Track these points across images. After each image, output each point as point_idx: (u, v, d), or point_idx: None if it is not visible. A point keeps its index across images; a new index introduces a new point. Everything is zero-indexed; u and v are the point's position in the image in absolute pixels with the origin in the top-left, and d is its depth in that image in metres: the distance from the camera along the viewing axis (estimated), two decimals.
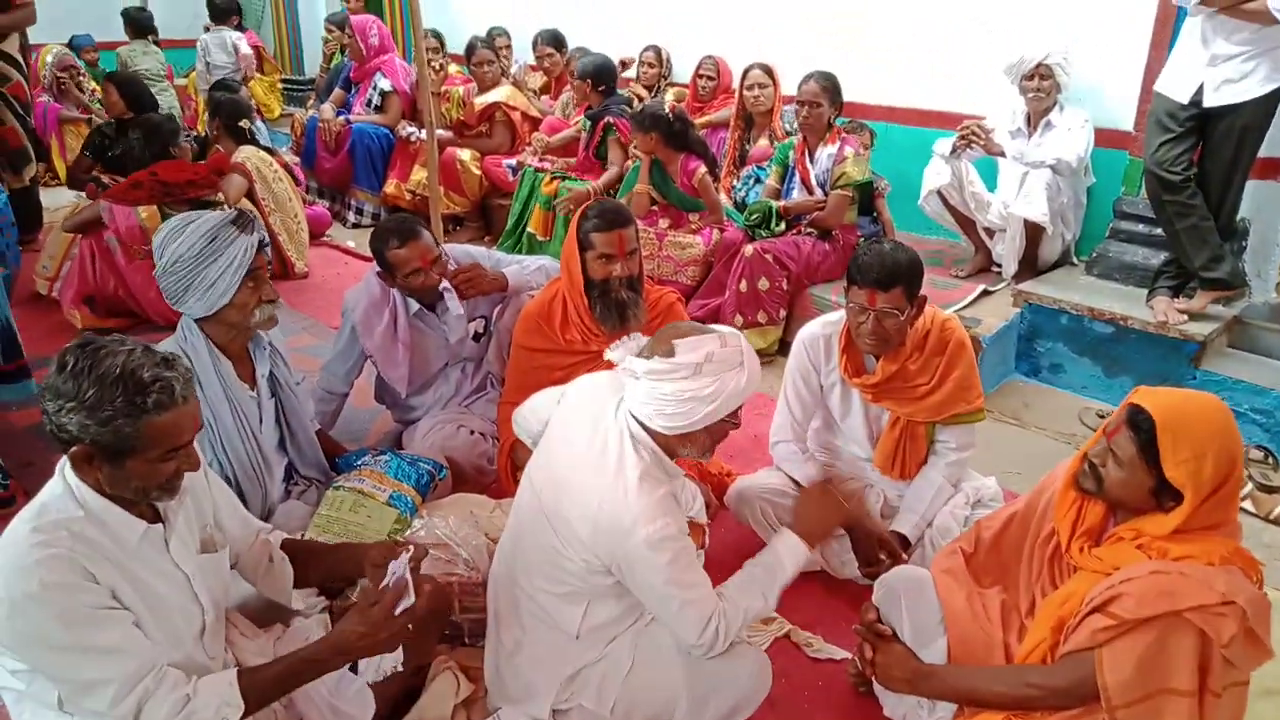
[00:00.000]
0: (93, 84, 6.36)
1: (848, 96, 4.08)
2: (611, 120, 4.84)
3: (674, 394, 1.69)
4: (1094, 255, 4.02)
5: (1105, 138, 4.04)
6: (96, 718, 1.44)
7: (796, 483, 2.44)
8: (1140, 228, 3.88)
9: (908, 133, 4.84)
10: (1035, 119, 3.99)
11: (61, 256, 4.26)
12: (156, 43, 7.41)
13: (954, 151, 3.99)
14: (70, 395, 1.41)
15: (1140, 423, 1.56)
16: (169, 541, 1.58)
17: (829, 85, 3.94)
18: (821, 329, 2.45)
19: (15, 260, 4.19)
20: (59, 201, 5.47)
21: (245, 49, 7.37)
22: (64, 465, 1.50)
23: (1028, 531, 1.87)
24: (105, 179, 4.55)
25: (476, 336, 3.05)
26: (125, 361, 1.43)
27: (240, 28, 7.73)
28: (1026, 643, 1.71)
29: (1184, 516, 1.53)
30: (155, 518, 1.57)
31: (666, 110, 4.32)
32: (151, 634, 1.50)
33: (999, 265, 4.14)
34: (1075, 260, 4.18)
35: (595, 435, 1.78)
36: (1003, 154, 3.98)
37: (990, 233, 4.17)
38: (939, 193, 4.11)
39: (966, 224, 4.21)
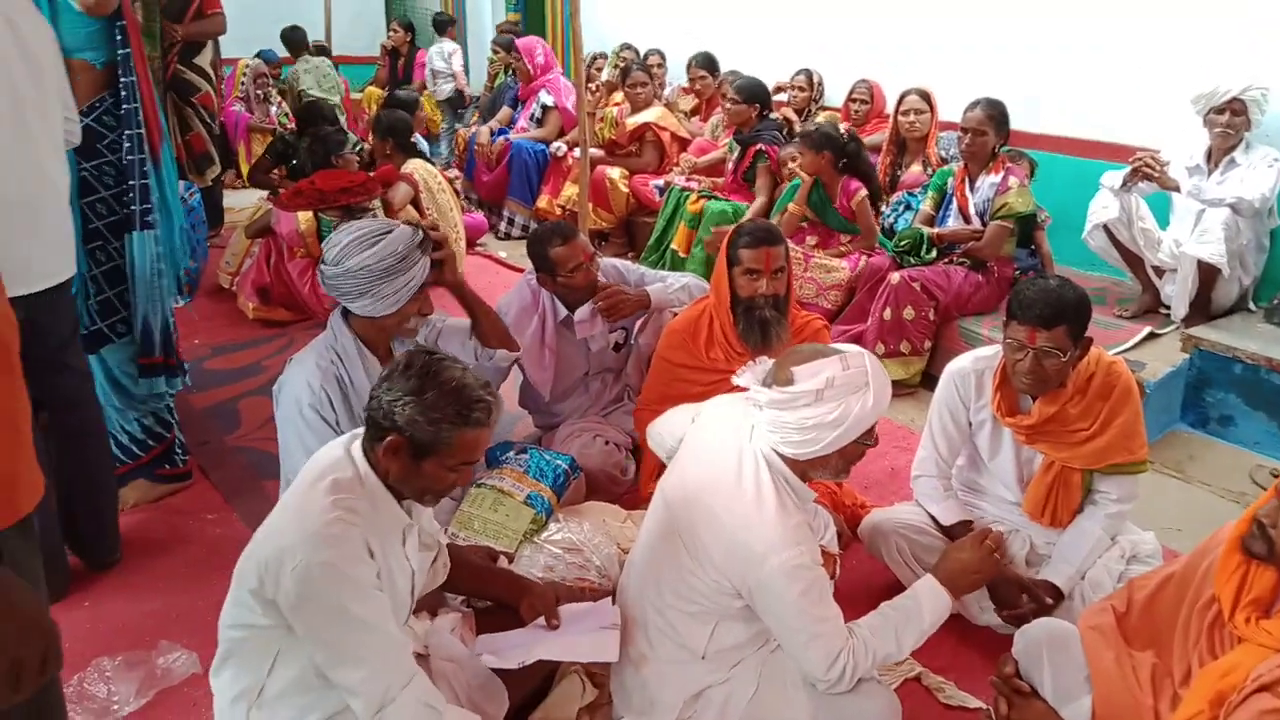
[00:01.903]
0: (278, 96, 6.87)
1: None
2: (763, 147, 4.85)
3: (797, 422, 1.69)
4: (1275, 302, 3.73)
5: None
6: (344, 693, 1.54)
7: (936, 521, 2.37)
8: None
9: (1071, 163, 4.63)
10: (1217, 155, 3.74)
11: (242, 254, 4.63)
12: (329, 56, 7.95)
13: (1124, 185, 3.79)
14: (413, 391, 1.57)
15: None
16: (407, 538, 1.70)
17: (995, 114, 3.82)
18: (973, 363, 2.38)
19: (203, 255, 4.58)
20: (242, 203, 5.94)
21: (457, 64, 8.14)
22: (350, 444, 1.67)
23: (1186, 595, 1.74)
24: (278, 184, 4.91)
25: (617, 347, 3.11)
26: (460, 376, 1.61)
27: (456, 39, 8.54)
28: (1180, 714, 1.59)
29: None
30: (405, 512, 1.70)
31: (840, 131, 4.29)
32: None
33: (1167, 307, 3.89)
34: (1253, 306, 3.88)
35: (730, 459, 1.79)
36: (1178, 189, 3.75)
37: (1159, 272, 3.93)
38: (1105, 227, 3.90)
39: (1134, 261, 3.98)
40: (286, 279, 4.40)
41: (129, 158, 2.58)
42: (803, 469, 1.77)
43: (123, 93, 2.54)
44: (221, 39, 5.20)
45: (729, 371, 2.49)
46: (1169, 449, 3.41)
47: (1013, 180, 3.83)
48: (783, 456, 1.76)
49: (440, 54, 8.25)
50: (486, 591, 2.07)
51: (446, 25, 8.56)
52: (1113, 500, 2.26)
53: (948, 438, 2.41)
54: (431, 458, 1.60)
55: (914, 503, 2.47)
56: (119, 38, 2.51)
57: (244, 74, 6.66)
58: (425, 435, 1.57)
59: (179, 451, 2.94)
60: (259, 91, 6.69)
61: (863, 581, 2.51)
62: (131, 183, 2.59)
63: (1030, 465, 2.34)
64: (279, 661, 1.60)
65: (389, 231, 2.22)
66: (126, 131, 2.56)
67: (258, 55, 7.32)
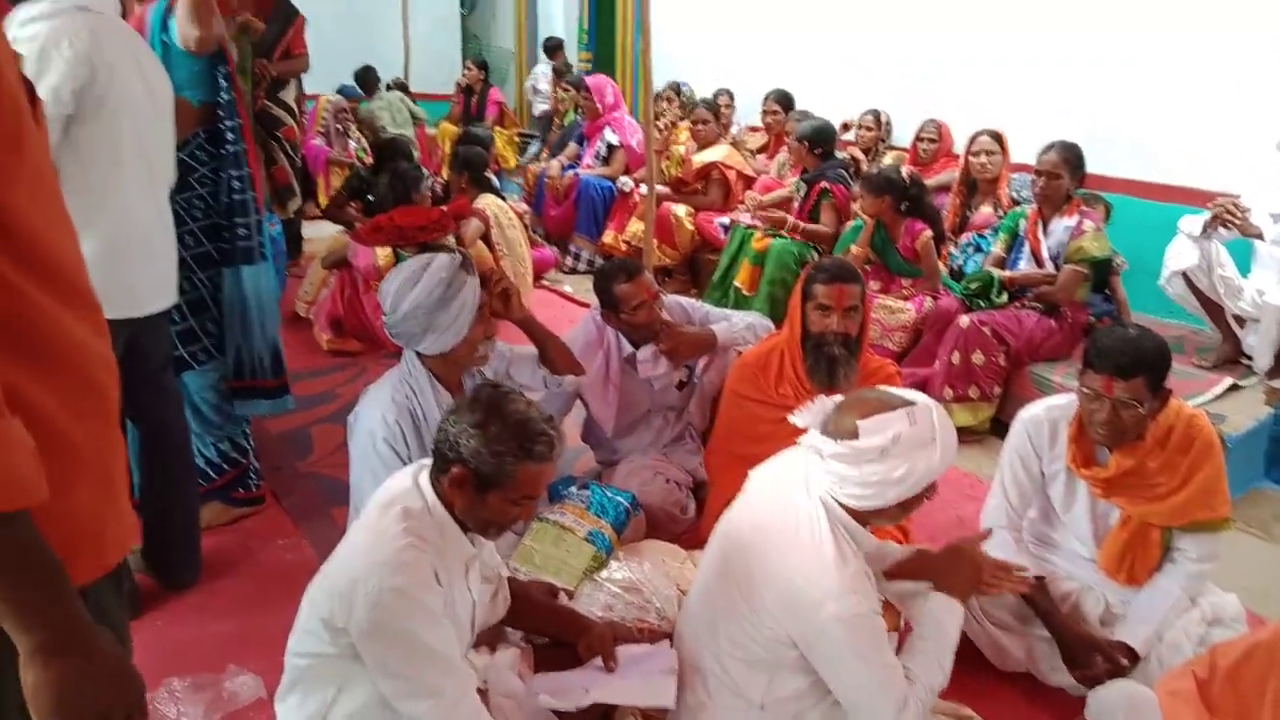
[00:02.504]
0: (357, 131, 7.11)
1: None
2: (828, 186, 4.84)
3: (860, 478, 1.66)
4: None
5: None
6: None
7: None
8: None
9: (1148, 207, 4.53)
10: None
11: (319, 284, 4.77)
12: (407, 92, 8.21)
13: (1204, 231, 3.69)
14: (478, 424, 1.63)
15: None
16: (470, 569, 1.74)
17: (1070, 156, 3.76)
18: (1046, 412, 2.32)
19: (282, 284, 4.73)
20: (321, 234, 6.13)
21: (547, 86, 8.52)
22: (418, 474, 1.71)
23: (1274, 667, 1.66)
24: (354, 218, 5.07)
25: (680, 385, 3.12)
26: (525, 410, 1.66)
27: (566, 64, 8.88)
28: None
29: None
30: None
31: (902, 174, 4.28)
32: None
33: (1249, 357, 3.76)
34: None
35: (788, 505, 1.77)
36: (1260, 237, 3.63)
37: (1241, 321, 3.80)
38: (1184, 274, 3.80)
39: (1213, 310, 3.86)
40: (360, 312, 4.53)
41: (238, 196, 2.71)
42: (862, 517, 1.76)
43: (228, 135, 2.68)
44: (304, 75, 5.41)
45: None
46: (1253, 507, 3.28)
47: (1088, 224, 3.76)
48: (841, 504, 1.74)
49: (545, 75, 8.79)
50: (546, 628, 2.09)
51: (555, 49, 9.02)
52: (1192, 559, 2.18)
53: (1019, 488, 2.35)
54: (495, 490, 1.63)
55: None
56: (223, 82, 2.65)
57: (325, 109, 6.90)
58: (489, 468, 1.61)
59: (253, 476, 3.02)
60: (339, 126, 6.93)
61: None
62: (242, 219, 2.73)
63: (1106, 519, 2.27)
64: (344, 690, 1.63)
65: (429, 264, 2.28)
66: (234, 172, 2.70)
67: (339, 91, 7.59)
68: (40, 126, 0.97)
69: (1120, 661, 2.10)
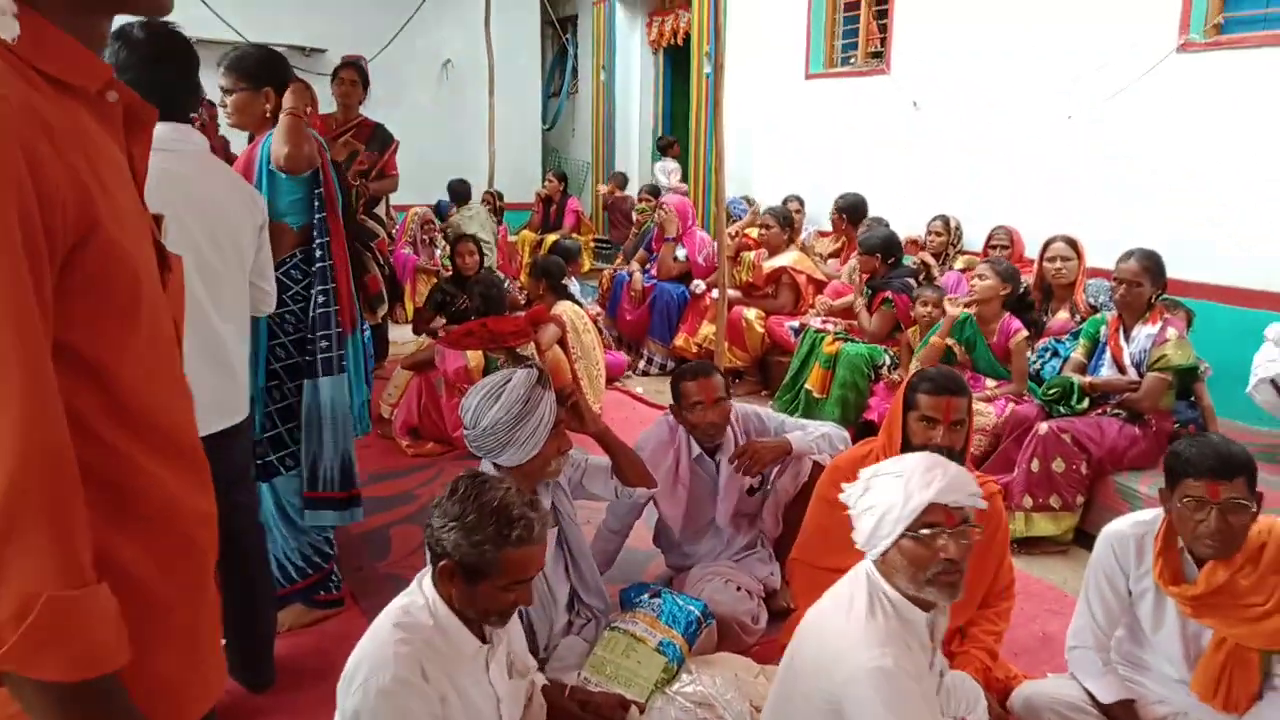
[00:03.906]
0: (443, 241, 7.46)
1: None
2: (891, 295, 4.90)
3: (855, 513, 1.76)
4: None
5: None
6: None
7: (1092, 697, 2.22)
8: None
9: (1232, 313, 4.43)
10: None
11: (404, 387, 4.96)
12: (498, 201, 8.62)
13: None
14: (455, 516, 1.68)
15: None
16: (489, 663, 1.77)
17: (1150, 264, 3.73)
18: (1132, 528, 2.26)
19: (369, 386, 4.93)
20: (406, 337, 6.39)
21: (675, 180, 8.97)
22: (424, 576, 1.77)
23: None
24: (441, 330, 5.29)
25: (751, 491, 3.12)
26: (503, 497, 1.69)
27: (679, 158, 9.50)
28: None
29: None
30: (483, 640, 1.77)
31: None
32: None
33: None
34: None
35: (844, 585, 1.84)
36: None
37: None
38: (1273, 381, 3.68)
39: None
40: (435, 415, 4.69)
41: (321, 310, 2.85)
42: (890, 577, 1.77)
43: (317, 252, 2.85)
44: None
45: None
46: None
47: (1171, 331, 3.70)
48: (885, 575, 1.78)
49: (663, 170, 9.32)
50: None
51: (668, 146, 9.59)
52: None
53: (1105, 607, 2.28)
54: (484, 580, 1.66)
55: (1069, 675, 2.32)
56: (317, 204, 2.84)
57: (413, 221, 7.28)
58: (472, 558, 1.65)
59: (335, 578, 3.10)
60: (425, 237, 7.28)
61: None
62: (323, 331, 2.85)
63: (1199, 641, 2.17)
64: None
65: (508, 380, 2.37)
66: (319, 286, 2.85)
67: (434, 206, 8.00)
68: (169, 283, 1.03)
69: None
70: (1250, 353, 3.76)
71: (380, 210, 5.67)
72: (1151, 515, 2.24)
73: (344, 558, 3.28)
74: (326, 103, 5.03)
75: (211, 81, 2.72)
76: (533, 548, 1.69)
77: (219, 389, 2.39)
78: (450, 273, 6.28)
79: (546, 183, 9.40)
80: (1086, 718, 2.21)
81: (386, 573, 3.39)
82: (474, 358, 4.56)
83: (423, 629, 1.69)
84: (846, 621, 1.72)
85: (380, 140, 5.29)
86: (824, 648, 1.72)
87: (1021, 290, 4.23)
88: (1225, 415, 4.06)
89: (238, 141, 4.51)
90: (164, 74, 2.14)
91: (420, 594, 1.75)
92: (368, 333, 4.76)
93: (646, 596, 2.73)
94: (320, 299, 2.85)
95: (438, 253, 7.28)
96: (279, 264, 2.76)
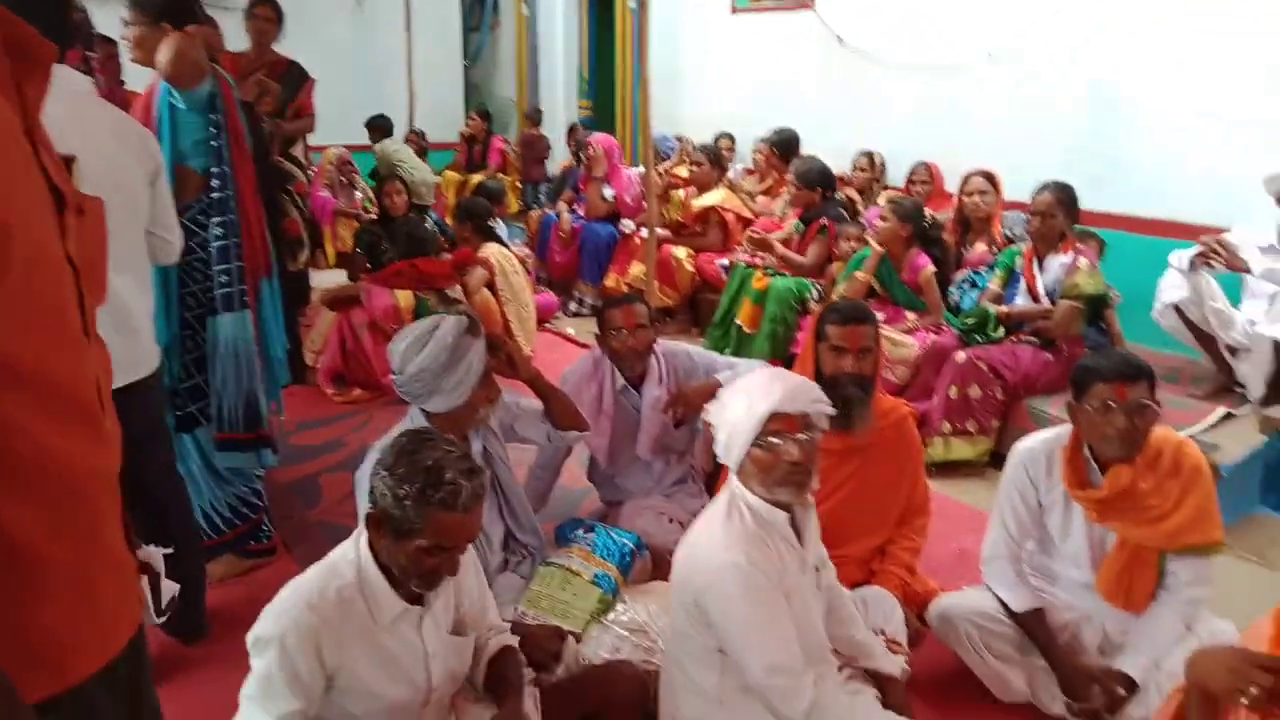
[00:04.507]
0: (363, 182, 7.26)
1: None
2: (826, 223, 4.95)
3: (714, 435, 1.90)
4: None
5: None
6: None
7: (1006, 607, 2.35)
8: None
9: (1140, 241, 4.62)
10: None
11: (327, 332, 4.86)
12: (424, 142, 8.39)
13: (1191, 266, 3.77)
14: (387, 466, 1.67)
15: None
16: (423, 620, 1.77)
17: (1064, 196, 3.86)
18: (1042, 444, 2.38)
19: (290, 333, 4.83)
20: (326, 283, 6.24)
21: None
22: (361, 531, 1.75)
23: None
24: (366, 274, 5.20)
25: (678, 424, 3.16)
26: (440, 458, 1.66)
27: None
28: None
29: None
30: (417, 599, 1.77)
31: (928, 215, 4.39)
32: (381, 694, 1.71)
33: (1243, 386, 3.81)
34: None
35: (719, 497, 1.96)
36: (1247, 271, 3.71)
37: (1234, 351, 3.85)
38: (1176, 307, 3.87)
39: (1206, 341, 3.92)
40: (363, 360, 4.62)
41: (218, 243, 2.73)
42: (749, 485, 1.87)
43: (214, 181, 2.72)
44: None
45: None
46: (1248, 533, 3.31)
47: (1082, 261, 3.84)
48: (740, 479, 1.89)
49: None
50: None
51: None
52: (1186, 583, 2.22)
53: (1018, 519, 2.40)
54: (406, 538, 1.64)
55: (984, 586, 2.45)
56: (214, 131, 2.71)
57: (330, 162, 7.06)
58: (394, 511, 1.63)
59: (266, 527, 3.07)
60: (343, 178, 7.08)
61: (934, 669, 2.49)
62: (222, 265, 2.74)
63: (1103, 546, 2.31)
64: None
65: (437, 326, 2.34)
66: (217, 218, 2.73)
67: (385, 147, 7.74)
68: (82, 227, 0.99)
69: (1117, 692, 2.14)
70: (1156, 280, 3.93)
71: (297, 152, 5.47)
72: (1057, 432, 2.37)
73: (275, 507, 3.25)
74: (239, 40, 4.82)
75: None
76: (458, 516, 1.64)
77: (116, 344, 2.29)
78: (375, 214, 6.13)
79: (470, 121, 9.18)
80: (1000, 626, 2.34)
81: (318, 520, 3.38)
82: (404, 297, 4.50)
83: (343, 590, 1.68)
84: (709, 529, 1.85)
85: (295, 79, 5.08)
86: (691, 555, 1.84)
87: (927, 225, 4.32)
88: (1132, 339, 4.25)
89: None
90: (24, 10, 2.01)
91: (354, 547, 1.74)
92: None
93: (581, 532, 2.78)
94: (218, 231, 2.73)
95: (358, 195, 7.09)
96: (184, 209, 2.65)
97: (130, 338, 2.31)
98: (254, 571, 3.02)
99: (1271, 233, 3.76)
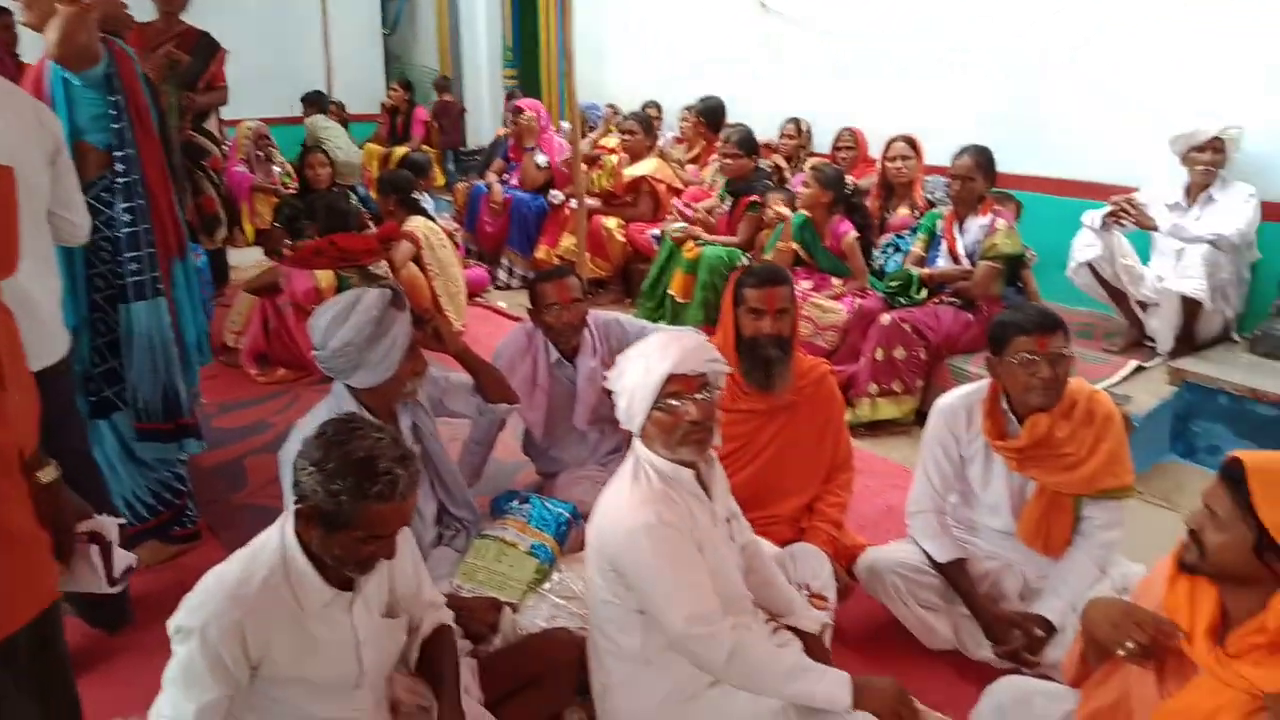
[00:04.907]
0: (281, 156, 7.04)
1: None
2: (757, 198, 4.98)
3: (616, 402, 1.91)
4: (1258, 333, 3.81)
5: (1273, 212, 3.86)
6: None
7: (931, 558, 2.43)
8: None
9: (1054, 202, 4.75)
10: (1196, 192, 3.85)
11: (248, 312, 4.73)
12: (344, 111, 8.17)
13: (1102, 225, 3.90)
14: (316, 461, 1.58)
15: (1232, 473, 1.47)
16: (353, 604, 1.73)
17: (982, 160, 3.95)
18: (961, 399, 2.46)
19: (209, 314, 4.68)
20: (246, 261, 6.07)
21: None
22: (286, 518, 1.69)
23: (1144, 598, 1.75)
24: (287, 250, 5.06)
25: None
26: (371, 447, 1.59)
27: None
28: None
29: None
30: (347, 583, 1.72)
31: (846, 179, 4.43)
32: (311, 679, 1.68)
33: (1153, 340, 3.98)
34: (1236, 338, 3.97)
35: (625, 463, 1.97)
36: (1155, 228, 3.86)
37: (1144, 306, 4.02)
38: (1089, 265, 4.01)
39: (1118, 297, 4.07)
40: (286, 339, 4.51)
41: (127, 230, 2.63)
42: (653, 446, 1.89)
43: (119, 166, 2.61)
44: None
45: (734, 410, 2.57)
46: (1159, 480, 3.47)
47: (1000, 222, 3.94)
48: (643, 442, 1.91)
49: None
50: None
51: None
52: (1098, 526, 2.32)
53: (941, 472, 2.47)
54: (340, 530, 1.59)
55: (909, 540, 2.52)
56: (115, 114, 2.59)
57: (246, 136, 6.83)
58: (328, 506, 1.57)
59: (190, 512, 3.00)
60: (260, 153, 6.86)
61: (863, 621, 2.56)
62: (132, 253, 2.64)
63: (1023, 494, 2.40)
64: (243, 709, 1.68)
65: (359, 300, 2.28)
66: (124, 204, 2.62)
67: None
68: None
69: (1036, 634, 2.23)
70: (1070, 239, 4.06)
71: (211, 126, 5.28)
72: (975, 387, 2.45)
73: (199, 491, 3.17)
74: (145, 10, 4.60)
75: None
76: (396, 504, 1.59)
77: (43, 319, 2.21)
78: (294, 189, 5.96)
79: (391, 92, 8.98)
80: (925, 577, 2.42)
81: (244, 504, 3.31)
82: (324, 278, 4.38)
83: (269, 578, 1.62)
84: (617, 494, 1.87)
85: (205, 50, 4.89)
86: (603, 522, 1.86)
87: (848, 192, 4.39)
88: (1049, 297, 4.39)
89: None
90: None
91: (279, 534, 1.68)
92: (203, 258, 4.50)
93: (516, 503, 2.78)
94: (126, 218, 2.63)
95: (275, 169, 6.88)
96: (88, 187, 2.53)
97: (34, 324, 2.19)
98: (179, 557, 2.95)
99: (1178, 191, 3.90)
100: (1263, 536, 1.43)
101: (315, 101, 7.86)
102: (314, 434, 1.64)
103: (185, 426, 2.86)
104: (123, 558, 1.74)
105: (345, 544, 1.61)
